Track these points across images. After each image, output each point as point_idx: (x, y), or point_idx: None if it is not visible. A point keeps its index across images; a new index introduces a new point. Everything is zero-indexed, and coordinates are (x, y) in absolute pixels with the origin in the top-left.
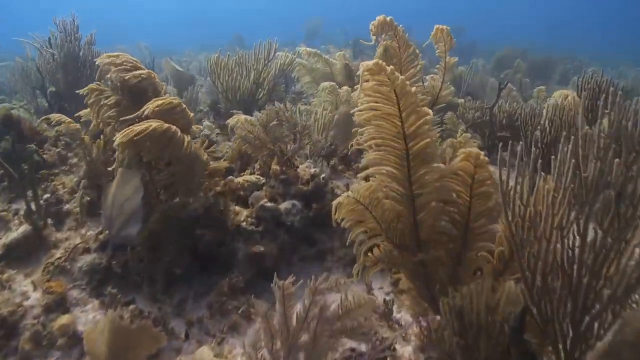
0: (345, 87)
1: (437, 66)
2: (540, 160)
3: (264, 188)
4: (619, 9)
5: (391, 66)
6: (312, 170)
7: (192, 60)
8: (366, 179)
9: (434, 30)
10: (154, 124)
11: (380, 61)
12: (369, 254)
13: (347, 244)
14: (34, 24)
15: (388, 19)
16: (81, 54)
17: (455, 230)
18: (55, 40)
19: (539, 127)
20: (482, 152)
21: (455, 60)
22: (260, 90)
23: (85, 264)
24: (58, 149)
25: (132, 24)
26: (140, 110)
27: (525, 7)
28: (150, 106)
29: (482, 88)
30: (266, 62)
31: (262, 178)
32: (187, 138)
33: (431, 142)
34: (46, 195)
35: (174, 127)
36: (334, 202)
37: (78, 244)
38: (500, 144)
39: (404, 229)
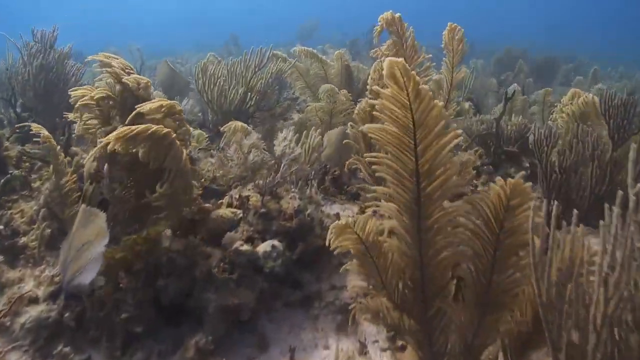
0: (344, 91)
1: (441, 71)
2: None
3: (240, 224)
4: (619, 9)
5: (414, 74)
6: (297, 203)
7: (185, 62)
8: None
9: (447, 28)
10: (153, 126)
11: (407, 66)
12: (365, 300)
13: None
14: (33, 24)
15: (396, 16)
16: (55, 67)
17: (474, 290)
18: (30, 50)
19: (556, 151)
20: (527, 185)
21: (463, 75)
22: (248, 99)
23: (29, 319)
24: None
25: (133, 24)
26: (137, 109)
27: (525, 7)
28: (148, 106)
29: (483, 90)
30: (256, 70)
31: (239, 212)
32: (185, 151)
33: (451, 174)
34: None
35: (173, 134)
36: (332, 226)
37: (24, 294)
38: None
39: (408, 285)
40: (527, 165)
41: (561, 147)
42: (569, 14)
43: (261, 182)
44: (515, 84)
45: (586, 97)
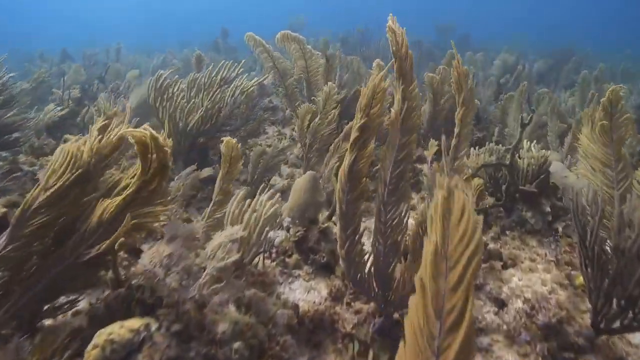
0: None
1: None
2: None
3: (144, 348)
4: (619, 9)
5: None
6: (222, 327)
7: (173, 58)
8: None
9: (454, 79)
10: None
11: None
12: None
13: None
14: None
15: (405, 45)
16: None
17: None
18: None
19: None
20: None
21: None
22: (209, 118)
23: None
24: None
25: (131, 23)
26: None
27: (526, 7)
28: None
29: (484, 92)
30: (222, 84)
31: (142, 327)
32: None
33: None
34: None
35: None
36: None
37: None
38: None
39: None
40: (548, 210)
41: (614, 216)
42: (569, 14)
43: (175, 288)
44: (525, 83)
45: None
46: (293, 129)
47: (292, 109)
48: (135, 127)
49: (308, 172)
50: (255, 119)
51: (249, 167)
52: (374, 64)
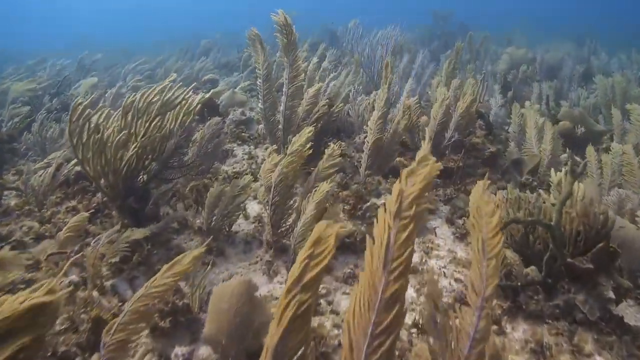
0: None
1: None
2: None
3: None
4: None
5: None
6: None
7: (139, 69)
8: None
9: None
10: None
11: None
12: None
13: None
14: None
15: None
16: None
17: None
18: None
19: None
20: None
21: None
22: (149, 153)
23: None
24: None
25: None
26: None
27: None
28: None
29: (494, 101)
30: (162, 111)
31: None
32: None
33: None
34: None
35: None
36: None
37: None
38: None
39: None
40: (612, 296)
41: None
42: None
43: None
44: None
45: None
46: (267, 148)
47: (268, 125)
48: None
49: (237, 281)
50: (217, 140)
51: (204, 212)
52: None
